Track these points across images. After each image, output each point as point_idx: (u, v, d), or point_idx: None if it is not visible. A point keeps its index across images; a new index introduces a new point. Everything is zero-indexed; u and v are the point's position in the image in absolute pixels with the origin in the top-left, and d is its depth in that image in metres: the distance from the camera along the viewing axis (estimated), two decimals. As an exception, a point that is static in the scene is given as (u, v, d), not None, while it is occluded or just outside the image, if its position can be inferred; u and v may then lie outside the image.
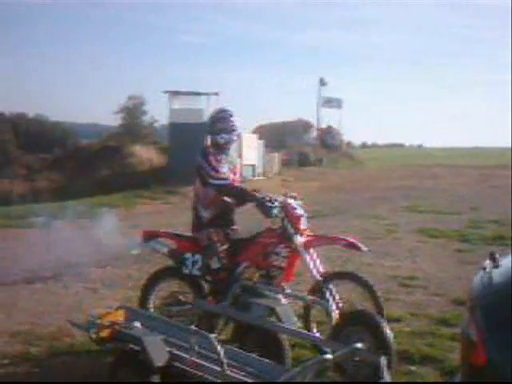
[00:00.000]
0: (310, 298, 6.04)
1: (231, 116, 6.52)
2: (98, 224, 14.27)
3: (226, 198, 6.45)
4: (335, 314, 5.83)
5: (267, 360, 4.60)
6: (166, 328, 5.00)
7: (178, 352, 4.54)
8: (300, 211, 6.33)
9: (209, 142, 6.56)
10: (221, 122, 6.48)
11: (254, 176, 30.45)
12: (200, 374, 4.38)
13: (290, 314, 5.44)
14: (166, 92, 30.13)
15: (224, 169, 6.45)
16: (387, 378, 4.38)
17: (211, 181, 6.31)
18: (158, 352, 4.39)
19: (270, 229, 6.40)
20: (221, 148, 6.50)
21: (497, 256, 3.93)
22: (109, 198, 20.87)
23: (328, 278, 6.19)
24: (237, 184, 6.58)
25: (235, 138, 6.63)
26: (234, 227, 6.57)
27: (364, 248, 6.23)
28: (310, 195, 21.46)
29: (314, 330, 6.15)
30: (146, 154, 32.72)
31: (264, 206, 6.24)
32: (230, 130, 6.50)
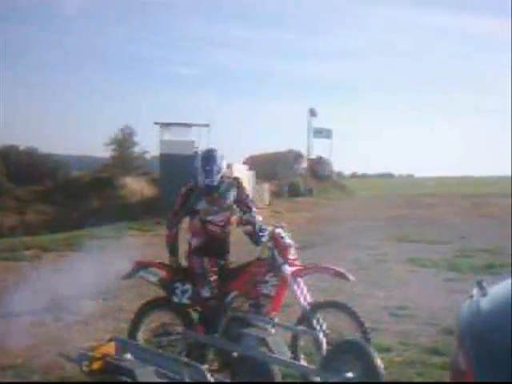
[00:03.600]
0: (299, 327, 6.08)
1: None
2: (88, 256, 14.25)
3: (211, 228, 6.51)
4: (324, 344, 5.87)
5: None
6: (157, 359, 5.00)
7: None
8: (288, 241, 6.41)
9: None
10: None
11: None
12: (192, 404, 4.39)
13: (281, 344, 5.46)
14: (157, 123, 30.21)
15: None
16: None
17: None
18: (150, 384, 4.39)
19: (259, 258, 6.47)
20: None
21: (484, 284, 3.98)
22: (100, 230, 20.79)
23: (316, 307, 6.24)
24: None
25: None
26: (226, 256, 6.64)
27: (351, 277, 6.32)
28: (301, 225, 21.51)
29: (302, 360, 6.17)
30: (136, 186, 32.72)
31: (253, 235, 6.33)
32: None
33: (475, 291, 4.00)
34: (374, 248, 16.27)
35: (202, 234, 6.49)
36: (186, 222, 6.71)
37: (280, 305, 6.48)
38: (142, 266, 6.78)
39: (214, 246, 6.54)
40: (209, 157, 6.49)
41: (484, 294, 3.86)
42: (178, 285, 6.45)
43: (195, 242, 6.51)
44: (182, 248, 6.67)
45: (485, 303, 3.75)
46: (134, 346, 5.34)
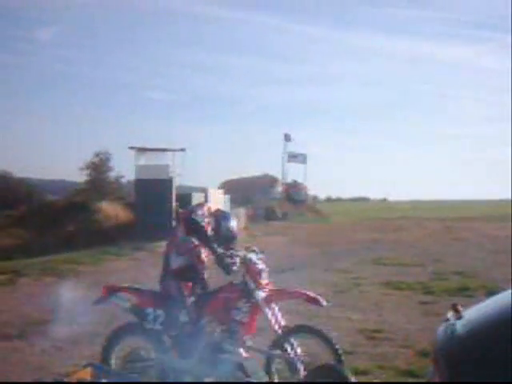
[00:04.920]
0: (274, 351, 6.08)
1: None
2: (63, 281, 14.15)
3: (202, 256, 6.52)
4: (300, 368, 5.87)
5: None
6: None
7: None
8: (260, 265, 6.40)
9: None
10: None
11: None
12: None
13: (257, 368, 5.46)
14: (132, 148, 30.12)
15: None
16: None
17: (193, 216, 6.44)
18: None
19: (232, 283, 6.46)
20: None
21: (459, 307, 4.04)
22: (75, 255, 20.66)
23: (289, 331, 6.25)
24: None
25: None
26: (202, 280, 6.64)
27: (324, 302, 6.33)
28: (277, 249, 21.47)
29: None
30: (112, 210, 32.53)
31: (224, 263, 6.31)
32: None
33: (450, 314, 4.06)
34: (349, 271, 16.31)
35: (189, 255, 6.48)
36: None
37: (253, 329, 6.47)
38: (111, 291, 6.73)
39: (191, 269, 6.53)
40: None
41: (459, 317, 3.93)
42: (149, 311, 6.42)
43: (177, 262, 6.46)
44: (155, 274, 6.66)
45: (460, 326, 3.81)
46: (109, 372, 5.33)
